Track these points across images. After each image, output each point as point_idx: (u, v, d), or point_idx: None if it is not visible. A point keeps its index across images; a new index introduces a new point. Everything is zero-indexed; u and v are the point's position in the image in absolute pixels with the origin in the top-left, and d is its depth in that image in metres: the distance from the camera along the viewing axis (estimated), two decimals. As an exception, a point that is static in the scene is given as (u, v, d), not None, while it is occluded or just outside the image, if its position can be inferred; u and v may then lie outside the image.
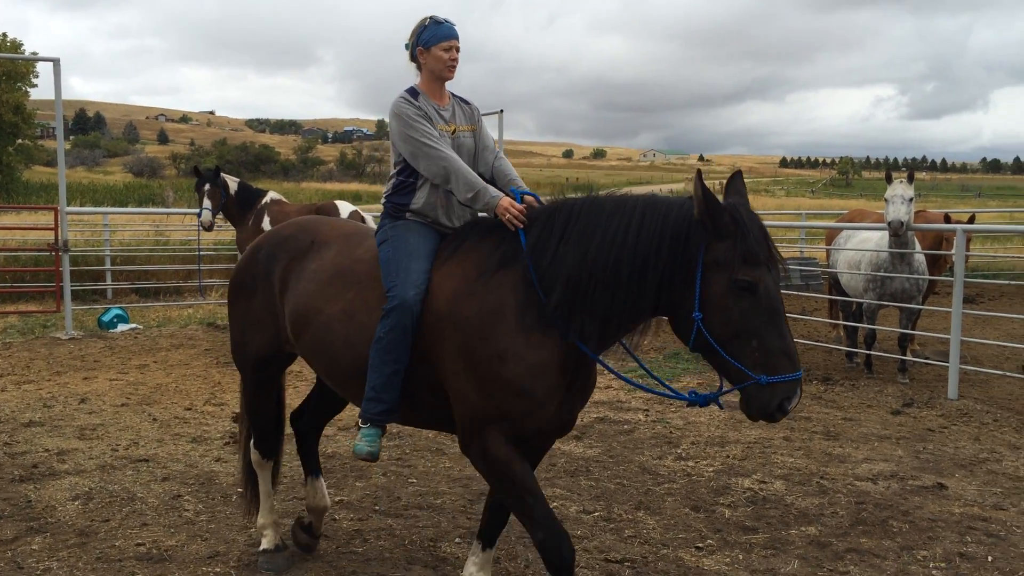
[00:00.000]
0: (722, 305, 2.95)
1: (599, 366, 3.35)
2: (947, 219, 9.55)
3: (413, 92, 3.70)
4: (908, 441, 6.47)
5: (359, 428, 3.56)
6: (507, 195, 3.49)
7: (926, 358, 9.38)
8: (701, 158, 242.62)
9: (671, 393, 3.37)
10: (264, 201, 10.65)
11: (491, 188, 3.50)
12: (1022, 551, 4.43)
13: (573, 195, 3.50)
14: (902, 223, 8.11)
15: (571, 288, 3.15)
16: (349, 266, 3.75)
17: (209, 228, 10.58)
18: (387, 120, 3.76)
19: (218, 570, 4.16)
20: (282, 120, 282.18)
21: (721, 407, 3.35)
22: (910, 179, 8.36)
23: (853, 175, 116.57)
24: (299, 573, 4.16)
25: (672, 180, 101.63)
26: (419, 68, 3.77)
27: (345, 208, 10.49)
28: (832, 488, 5.38)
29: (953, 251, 8.27)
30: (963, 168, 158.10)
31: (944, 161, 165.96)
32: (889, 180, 8.50)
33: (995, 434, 6.68)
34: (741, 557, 4.35)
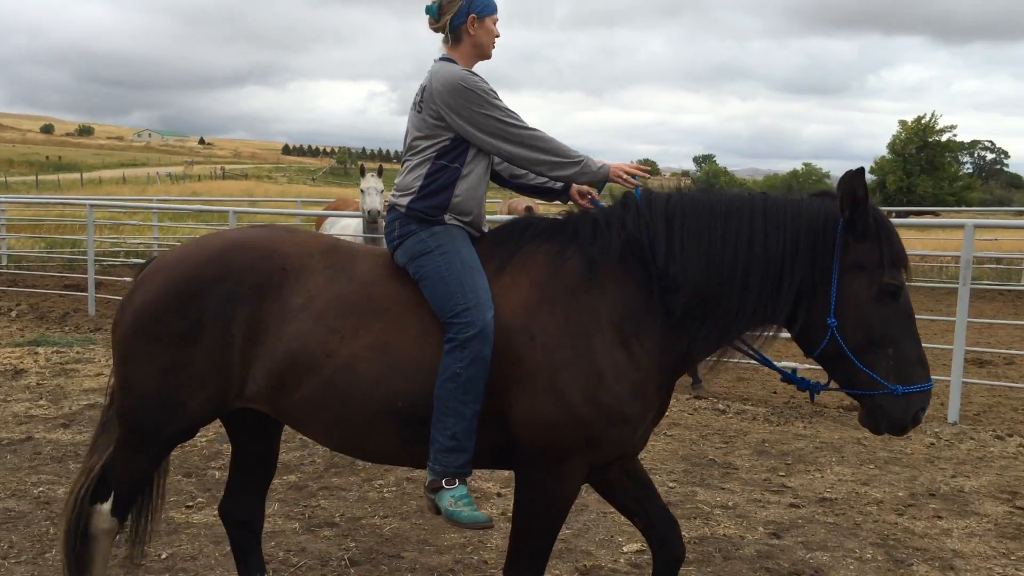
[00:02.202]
0: (862, 311, 2.80)
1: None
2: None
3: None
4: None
5: (439, 490, 2.94)
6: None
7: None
8: (202, 141, 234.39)
9: (772, 364, 3.12)
10: None
11: (591, 157, 3.14)
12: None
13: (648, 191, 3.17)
14: (379, 212, 9.32)
15: (697, 297, 2.89)
16: (359, 292, 3.07)
17: None
18: (444, 90, 3.08)
19: None
20: None
21: (813, 400, 3.17)
22: (379, 173, 9.61)
23: (351, 164, 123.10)
24: None
25: (171, 163, 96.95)
26: (455, 40, 3.21)
27: None
28: (311, 442, 6.17)
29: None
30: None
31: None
32: (363, 173, 9.64)
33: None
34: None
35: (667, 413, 7.31)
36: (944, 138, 49.93)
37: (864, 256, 2.81)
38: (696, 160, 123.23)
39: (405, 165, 3.24)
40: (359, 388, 2.96)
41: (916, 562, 4.37)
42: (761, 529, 4.77)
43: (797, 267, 2.83)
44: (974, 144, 71.09)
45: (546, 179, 3.32)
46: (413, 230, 3.13)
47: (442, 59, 3.20)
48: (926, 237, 20.83)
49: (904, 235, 3.12)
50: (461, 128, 3.09)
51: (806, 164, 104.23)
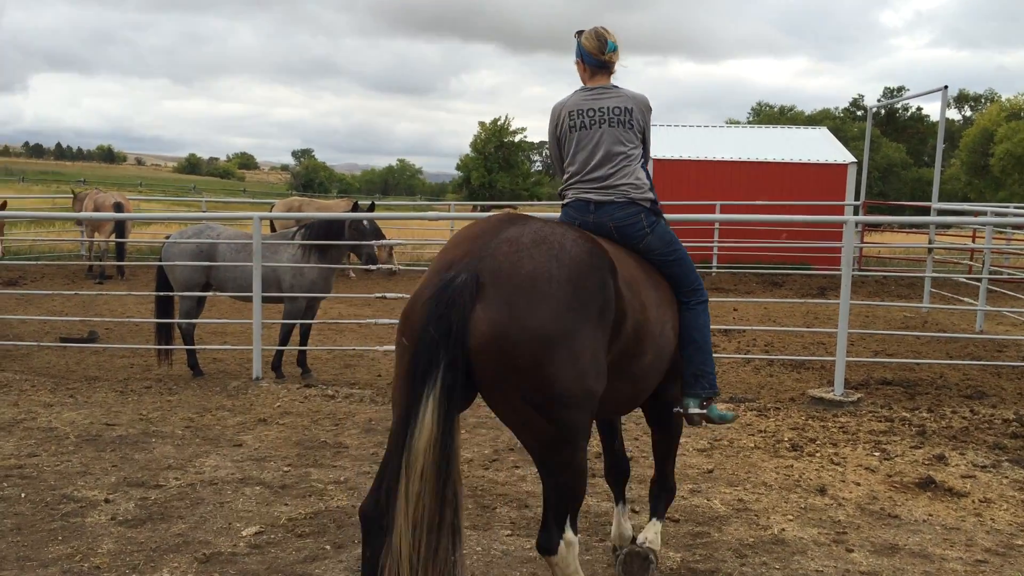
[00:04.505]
0: None
1: None
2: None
3: None
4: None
5: (711, 404, 4.04)
6: None
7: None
8: None
9: None
10: None
11: None
12: (50, 483, 5.34)
13: None
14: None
15: None
16: (645, 269, 3.86)
17: None
18: (643, 109, 4.11)
19: None
20: None
21: None
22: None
23: None
24: None
25: None
26: (610, 74, 4.12)
27: None
28: None
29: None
30: (6, 151, 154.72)
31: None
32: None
33: (32, 397, 7.50)
34: None
35: (277, 404, 7.52)
36: (517, 139, 55.45)
37: None
38: (295, 154, 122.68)
39: (625, 169, 4.01)
40: (671, 346, 3.85)
41: (499, 505, 5.15)
42: (370, 497, 5.23)
43: None
44: (542, 144, 79.82)
45: None
46: (655, 220, 4.00)
47: (615, 86, 4.13)
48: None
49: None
50: (647, 140, 4.15)
51: (400, 160, 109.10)
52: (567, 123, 4.10)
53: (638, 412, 4.38)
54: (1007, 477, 5.75)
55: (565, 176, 4.16)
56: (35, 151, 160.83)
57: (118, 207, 15.62)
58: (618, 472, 4.46)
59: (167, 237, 8.95)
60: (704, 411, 4.04)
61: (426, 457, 2.97)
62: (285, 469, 5.72)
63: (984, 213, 14.24)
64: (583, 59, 4.11)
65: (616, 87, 4.13)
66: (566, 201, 4.12)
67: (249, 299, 8.45)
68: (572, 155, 4.08)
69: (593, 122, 4.04)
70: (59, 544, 4.46)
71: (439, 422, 2.98)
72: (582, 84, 4.19)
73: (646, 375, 3.70)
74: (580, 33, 4.14)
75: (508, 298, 3.05)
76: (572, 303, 3.12)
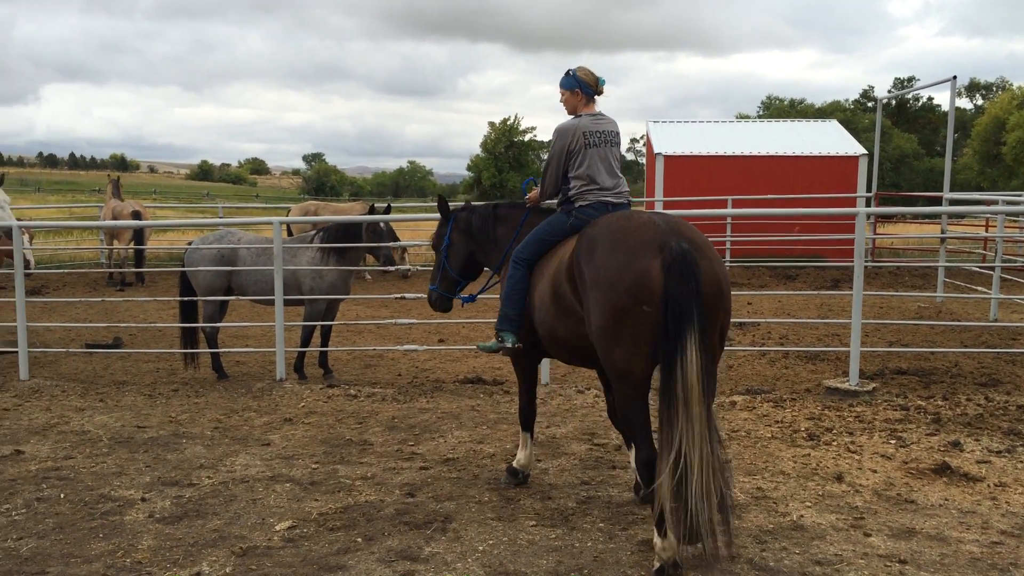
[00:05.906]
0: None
1: None
2: None
3: None
4: (-15, 423, 6.97)
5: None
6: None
7: (-4, 348, 9.82)
8: None
9: (464, 297, 5.76)
10: None
11: None
12: (88, 484, 5.51)
13: None
14: None
15: None
16: None
17: None
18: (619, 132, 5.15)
19: None
20: None
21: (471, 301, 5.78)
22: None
23: None
24: None
25: None
26: (595, 100, 5.13)
27: None
28: (-89, 478, 5.58)
29: None
30: (21, 162, 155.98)
31: (1, 155, 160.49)
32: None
33: (64, 402, 7.69)
34: None
35: (301, 404, 7.65)
36: (527, 138, 55.53)
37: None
38: (306, 159, 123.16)
39: (622, 179, 5.11)
40: None
41: (523, 497, 5.28)
42: (397, 492, 5.38)
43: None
44: (550, 143, 79.93)
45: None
46: None
47: (603, 113, 5.15)
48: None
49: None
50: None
51: (411, 162, 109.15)
52: (582, 140, 4.99)
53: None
54: (1022, 461, 5.84)
55: (575, 184, 5.02)
56: (49, 161, 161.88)
57: (136, 215, 15.85)
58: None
59: (189, 243, 9.12)
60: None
61: (700, 383, 3.82)
62: (313, 466, 5.87)
63: (995, 202, 14.25)
64: (582, 90, 5.08)
65: (604, 114, 5.16)
66: (585, 204, 4.98)
67: (270, 302, 8.62)
68: (585, 167, 5.00)
69: (601, 142, 5.02)
70: (101, 541, 4.62)
71: (702, 354, 3.84)
72: (574, 109, 5.12)
73: None
74: (571, 71, 5.08)
75: (710, 255, 4.14)
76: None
